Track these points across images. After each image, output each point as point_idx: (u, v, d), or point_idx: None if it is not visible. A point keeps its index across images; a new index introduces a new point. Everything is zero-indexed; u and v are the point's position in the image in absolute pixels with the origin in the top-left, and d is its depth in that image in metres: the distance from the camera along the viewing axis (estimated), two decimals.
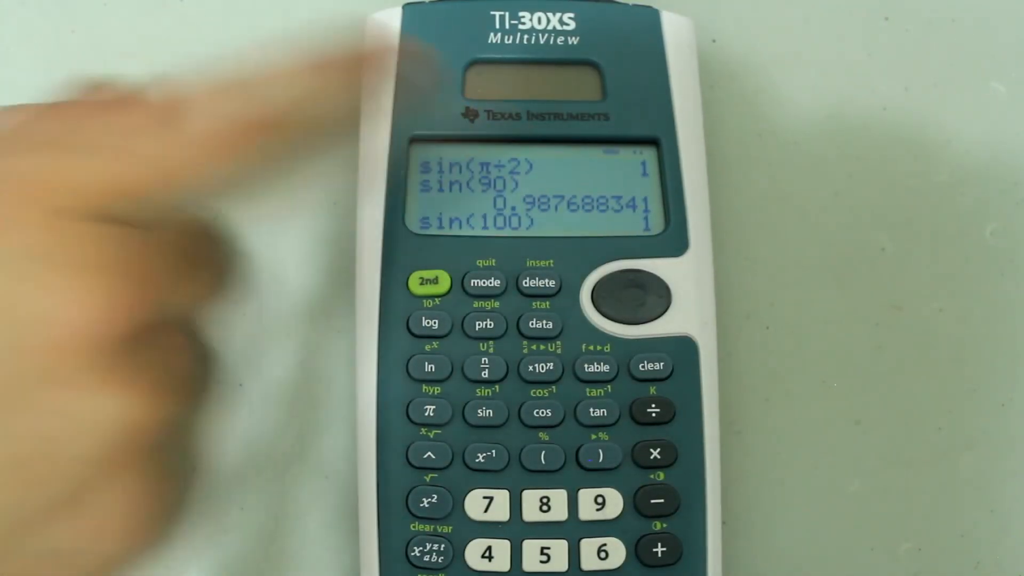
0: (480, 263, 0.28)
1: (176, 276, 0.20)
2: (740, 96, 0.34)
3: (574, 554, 0.27)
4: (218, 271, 0.23)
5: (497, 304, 0.28)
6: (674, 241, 0.29)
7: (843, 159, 0.34)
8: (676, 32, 0.31)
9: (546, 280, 0.28)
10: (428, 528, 0.27)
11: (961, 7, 0.36)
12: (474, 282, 0.28)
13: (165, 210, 0.20)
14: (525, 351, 0.28)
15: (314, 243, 0.32)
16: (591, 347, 0.28)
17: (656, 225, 0.29)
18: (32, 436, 0.18)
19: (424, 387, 0.27)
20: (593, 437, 0.27)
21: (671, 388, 0.28)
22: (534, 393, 0.28)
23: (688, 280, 0.29)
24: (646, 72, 0.30)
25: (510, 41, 0.30)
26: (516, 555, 0.27)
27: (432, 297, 0.28)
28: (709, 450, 0.28)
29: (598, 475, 0.27)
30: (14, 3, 0.34)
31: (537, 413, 0.27)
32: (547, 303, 0.28)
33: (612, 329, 0.28)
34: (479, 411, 0.27)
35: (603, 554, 0.27)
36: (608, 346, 0.28)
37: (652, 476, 0.27)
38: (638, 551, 0.27)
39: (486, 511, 0.27)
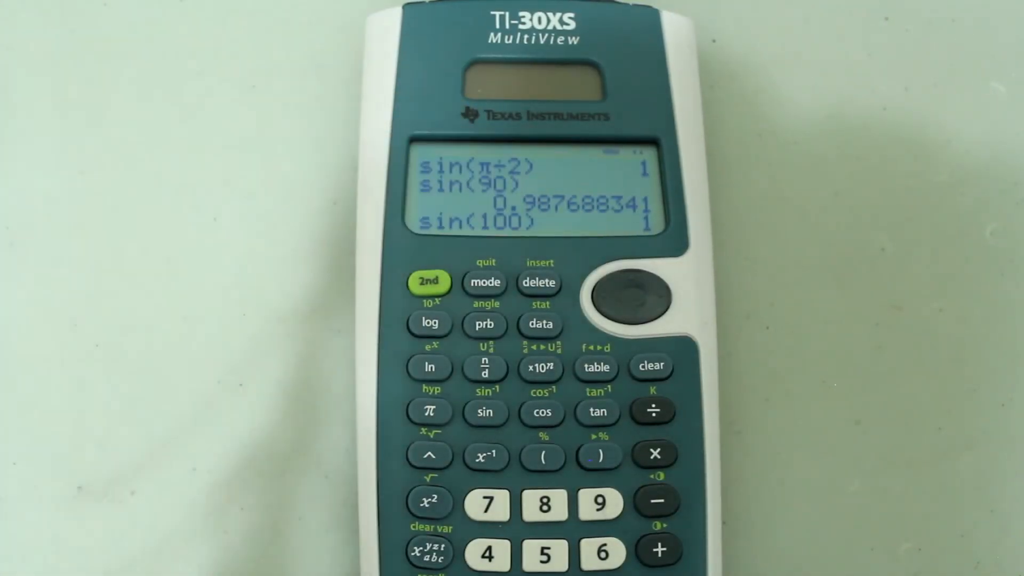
0: (480, 263, 0.28)
1: None
2: (740, 96, 0.34)
3: (574, 554, 0.27)
4: None
5: (497, 304, 0.28)
6: (674, 241, 0.29)
7: (843, 159, 0.34)
8: (676, 32, 0.31)
9: (546, 280, 0.28)
10: (428, 528, 0.27)
11: (961, 7, 0.36)
12: (474, 282, 0.28)
13: None
14: (525, 351, 0.28)
15: (314, 243, 0.32)
16: (591, 347, 0.28)
17: (656, 225, 0.29)
18: None
19: (424, 387, 0.27)
20: (593, 437, 0.27)
21: (671, 388, 0.28)
22: (534, 393, 0.28)
23: (688, 280, 0.29)
24: (646, 72, 0.30)
25: (510, 41, 0.30)
26: (516, 555, 0.27)
27: (432, 297, 0.28)
28: (709, 450, 0.28)
29: (598, 475, 0.27)
30: (14, 3, 0.34)
31: (537, 413, 0.27)
32: (547, 303, 0.28)
33: (612, 329, 0.28)
34: (479, 411, 0.27)
35: (603, 554, 0.27)
36: (608, 346, 0.28)
37: (652, 476, 0.27)
38: (638, 551, 0.27)
39: (486, 511, 0.27)
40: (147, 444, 0.30)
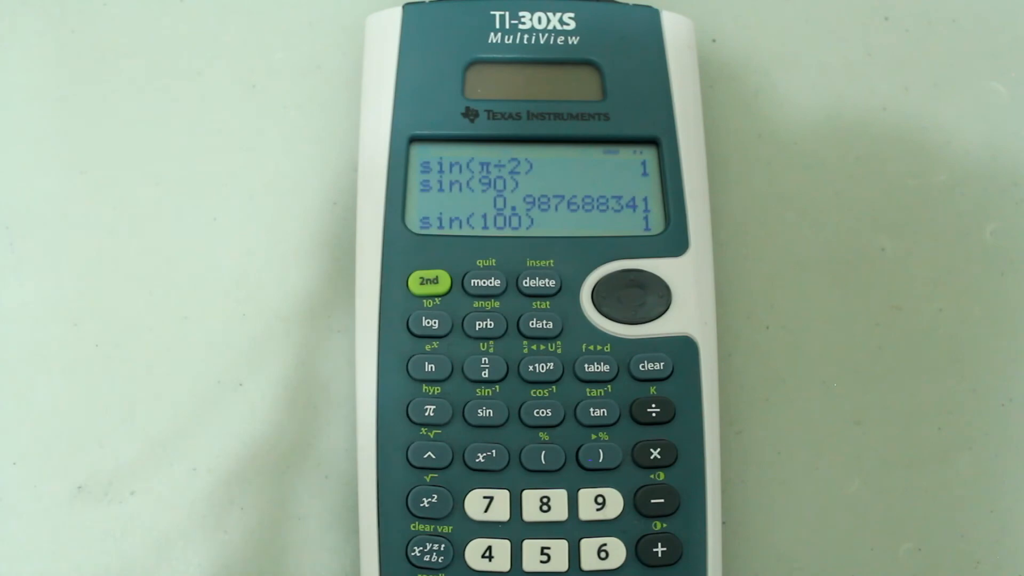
0: (480, 263, 0.28)
1: None
2: (740, 96, 0.34)
3: (574, 554, 0.27)
4: None
5: (497, 304, 0.28)
6: (674, 241, 0.29)
7: (843, 159, 0.34)
8: (676, 32, 0.31)
9: (546, 280, 0.28)
10: (428, 528, 0.27)
11: (961, 7, 0.36)
12: (474, 282, 0.28)
13: None
14: (525, 351, 0.28)
15: (314, 243, 0.32)
16: (591, 347, 0.28)
17: (656, 225, 0.29)
18: None
19: (424, 387, 0.27)
20: (593, 437, 0.27)
21: (671, 388, 0.28)
22: (534, 393, 0.28)
23: (688, 280, 0.29)
24: (646, 72, 0.30)
25: (510, 41, 0.30)
26: (516, 555, 0.27)
27: (432, 297, 0.28)
28: (709, 450, 0.28)
29: (598, 475, 0.27)
30: (14, 3, 0.34)
31: (537, 413, 0.27)
32: (547, 303, 0.28)
33: (612, 329, 0.28)
34: (479, 411, 0.27)
35: (603, 554, 0.27)
36: (608, 346, 0.28)
37: (652, 476, 0.27)
38: (638, 551, 0.27)
39: (486, 511, 0.27)
40: (147, 444, 0.30)
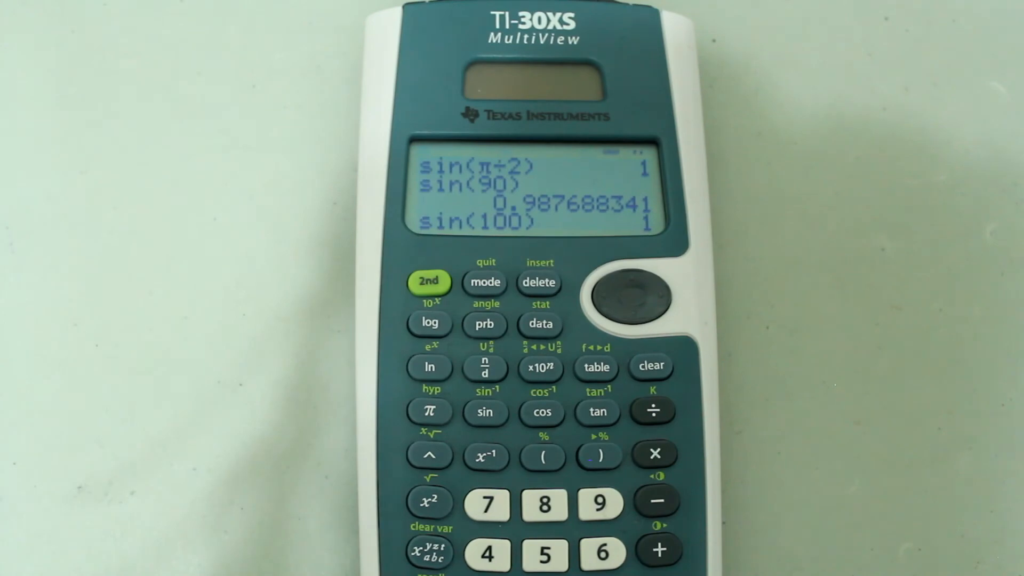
0: (480, 263, 0.28)
1: None
2: (740, 96, 0.34)
3: (574, 554, 0.27)
4: None
5: (497, 304, 0.28)
6: (674, 241, 0.29)
7: (843, 159, 0.34)
8: (676, 32, 0.31)
9: (546, 280, 0.28)
10: (428, 528, 0.27)
11: (961, 7, 0.36)
12: (474, 282, 0.28)
13: None
14: (525, 351, 0.28)
15: (314, 243, 0.32)
16: (591, 347, 0.28)
17: (656, 225, 0.29)
18: None
19: (424, 387, 0.27)
20: (593, 437, 0.27)
21: (671, 388, 0.28)
22: (534, 393, 0.28)
23: (688, 280, 0.29)
24: (646, 72, 0.30)
25: (510, 41, 0.30)
26: (516, 555, 0.27)
27: (432, 297, 0.28)
28: (709, 450, 0.28)
29: (598, 475, 0.27)
30: (14, 3, 0.34)
31: (537, 413, 0.27)
32: (547, 303, 0.28)
33: (612, 329, 0.28)
34: (479, 411, 0.27)
35: (603, 554, 0.27)
36: (608, 346, 0.28)
37: (652, 476, 0.27)
38: (638, 551, 0.27)
39: (486, 511, 0.27)
40: (147, 444, 0.30)
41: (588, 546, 0.27)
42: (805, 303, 0.32)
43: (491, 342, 0.28)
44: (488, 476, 0.27)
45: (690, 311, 0.28)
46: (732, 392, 0.31)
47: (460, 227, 0.29)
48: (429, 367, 0.27)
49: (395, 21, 0.31)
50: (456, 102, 0.30)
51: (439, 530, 0.27)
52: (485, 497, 0.27)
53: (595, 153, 0.30)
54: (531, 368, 0.28)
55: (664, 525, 0.27)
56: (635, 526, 0.27)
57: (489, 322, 0.28)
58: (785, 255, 0.33)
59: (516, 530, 0.27)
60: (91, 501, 0.29)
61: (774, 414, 0.31)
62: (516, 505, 0.27)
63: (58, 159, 0.33)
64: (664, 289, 0.28)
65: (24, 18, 0.34)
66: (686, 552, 0.27)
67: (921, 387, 0.31)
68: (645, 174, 0.30)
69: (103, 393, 0.30)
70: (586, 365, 0.28)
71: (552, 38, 0.31)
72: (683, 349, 0.28)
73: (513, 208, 0.29)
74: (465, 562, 0.26)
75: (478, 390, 0.28)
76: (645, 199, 0.29)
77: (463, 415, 0.27)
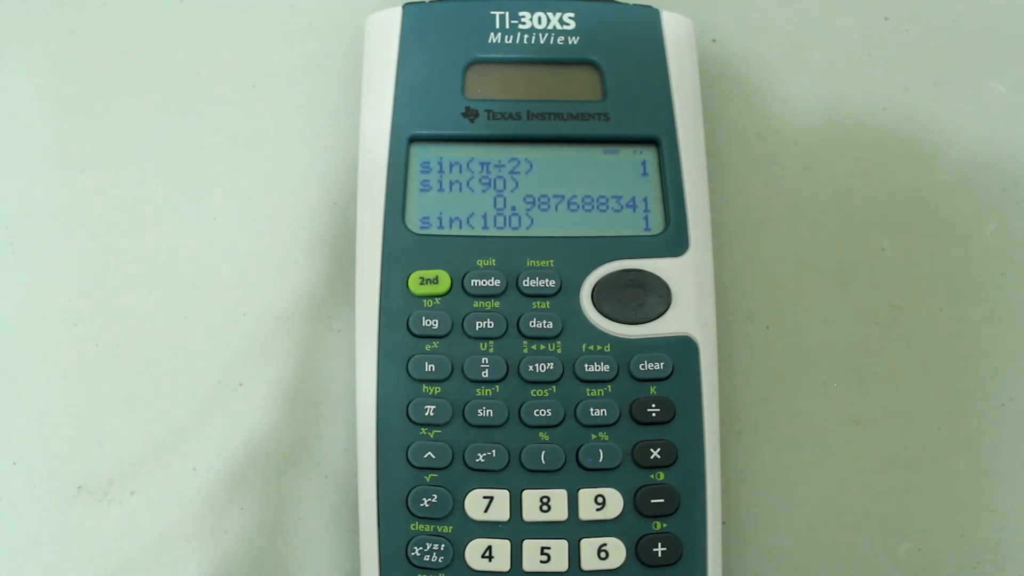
0: (480, 263, 0.28)
1: None
2: (740, 96, 0.34)
3: (574, 554, 0.27)
4: None
5: (497, 304, 0.28)
6: (674, 241, 0.29)
7: (843, 159, 0.34)
8: (676, 32, 0.31)
9: (546, 280, 0.28)
10: (428, 528, 0.27)
11: (961, 7, 0.36)
12: (474, 282, 0.28)
13: None
14: (525, 351, 0.28)
15: (314, 243, 0.32)
16: (591, 347, 0.28)
17: (656, 225, 0.29)
18: None
19: (424, 387, 0.27)
20: (593, 437, 0.27)
21: (671, 388, 0.28)
22: (534, 393, 0.28)
23: (688, 280, 0.29)
24: (646, 72, 0.30)
25: (510, 41, 0.30)
26: (516, 555, 0.27)
27: (432, 297, 0.28)
28: (709, 450, 0.28)
29: (598, 475, 0.27)
30: (14, 3, 0.34)
31: (537, 413, 0.27)
32: (547, 303, 0.28)
33: (612, 329, 0.28)
34: (479, 411, 0.27)
35: (603, 554, 0.27)
36: (608, 346, 0.28)
37: (652, 476, 0.27)
38: (638, 551, 0.27)
39: (486, 511, 0.27)
40: (147, 444, 0.30)
41: (588, 546, 0.27)
42: (805, 303, 0.32)
43: (491, 342, 0.28)
44: (488, 476, 0.27)
45: (690, 311, 0.28)
46: (732, 392, 0.31)
47: (460, 227, 0.29)
48: (429, 367, 0.27)
49: (395, 21, 0.31)
50: (456, 102, 0.30)
51: (439, 530, 0.27)
52: (485, 497, 0.27)
53: (595, 153, 0.30)
54: (531, 368, 0.28)
55: (664, 525, 0.27)
56: (635, 526, 0.27)
57: (489, 322, 0.28)
58: (785, 255, 0.33)
59: (516, 530, 0.27)
60: (91, 501, 0.29)
61: (774, 414, 0.31)
62: (516, 505, 0.27)
63: (58, 159, 0.33)
64: (664, 289, 0.28)
65: (24, 18, 0.34)
66: (686, 552, 0.27)
67: (921, 387, 0.31)
68: (645, 174, 0.30)
69: (103, 393, 0.30)
70: (586, 365, 0.28)
71: (552, 38, 0.31)
72: (683, 349, 0.28)
73: (513, 208, 0.29)
74: (465, 562, 0.26)
75: (478, 390, 0.28)
76: (645, 199, 0.29)
77: (463, 415, 0.27)
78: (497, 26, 0.31)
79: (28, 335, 0.31)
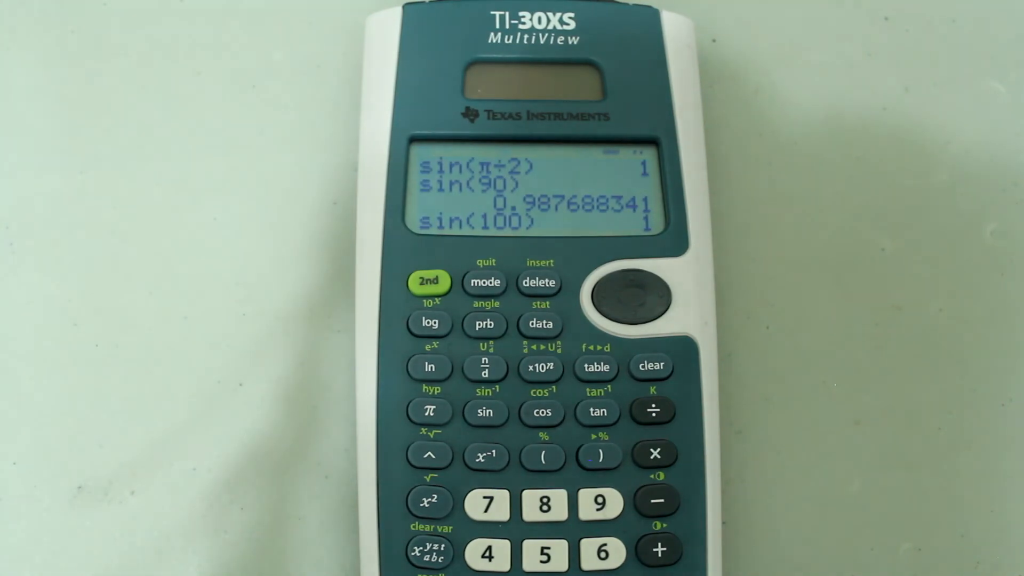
0: (480, 263, 0.28)
1: None
2: (740, 96, 0.34)
3: (574, 554, 0.27)
4: None
5: (497, 304, 0.28)
6: (674, 241, 0.29)
7: (843, 159, 0.34)
8: (676, 32, 0.31)
9: (546, 280, 0.28)
10: (428, 528, 0.27)
11: (961, 7, 0.36)
12: (474, 282, 0.28)
13: None
14: (525, 351, 0.28)
15: (314, 243, 0.32)
16: (591, 347, 0.28)
17: (656, 225, 0.29)
18: None
19: (424, 387, 0.27)
20: (593, 437, 0.27)
21: (671, 388, 0.28)
22: (534, 393, 0.28)
23: (688, 280, 0.29)
24: (646, 72, 0.30)
25: (510, 41, 0.30)
26: (516, 555, 0.27)
27: (432, 297, 0.28)
28: (709, 450, 0.28)
29: (598, 475, 0.27)
30: (14, 3, 0.34)
31: (537, 413, 0.27)
32: (547, 303, 0.28)
33: (612, 329, 0.28)
34: (479, 411, 0.27)
35: (603, 554, 0.27)
36: (608, 346, 0.28)
37: (652, 476, 0.27)
38: (638, 551, 0.27)
39: (486, 511, 0.27)
40: (147, 444, 0.30)
41: (588, 546, 0.27)
42: (805, 303, 0.32)
43: (491, 342, 0.28)
44: (488, 476, 0.27)
45: (690, 311, 0.28)
46: (732, 392, 0.31)
47: (460, 227, 0.29)
48: (429, 367, 0.27)
49: (395, 21, 0.31)
50: (456, 102, 0.30)
51: (439, 530, 0.27)
52: (485, 497, 0.27)
53: (595, 153, 0.30)
54: (531, 368, 0.28)
55: (664, 525, 0.27)
56: (635, 526, 0.27)
57: (489, 322, 0.28)
58: (785, 255, 0.33)
59: (516, 530, 0.27)
60: (91, 501, 0.29)
61: (774, 414, 0.31)
62: (516, 505, 0.27)
63: (58, 159, 0.33)
64: (664, 289, 0.28)
65: (24, 18, 0.34)
66: (686, 552, 0.27)
67: (921, 387, 0.31)
68: (645, 174, 0.30)
69: (103, 393, 0.30)
70: (586, 365, 0.28)
71: (552, 38, 0.31)
72: (683, 349, 0.28)
73: (513, 208, 0.29)
74: (465, 562, 0.26)
75: (478, 390, 0.28)
76: (645, 199, 0.29)
77: (463, 415, 0.27)
78: (497, 26, 0.31)
79: (28, 335, 0.31)
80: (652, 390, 0.28)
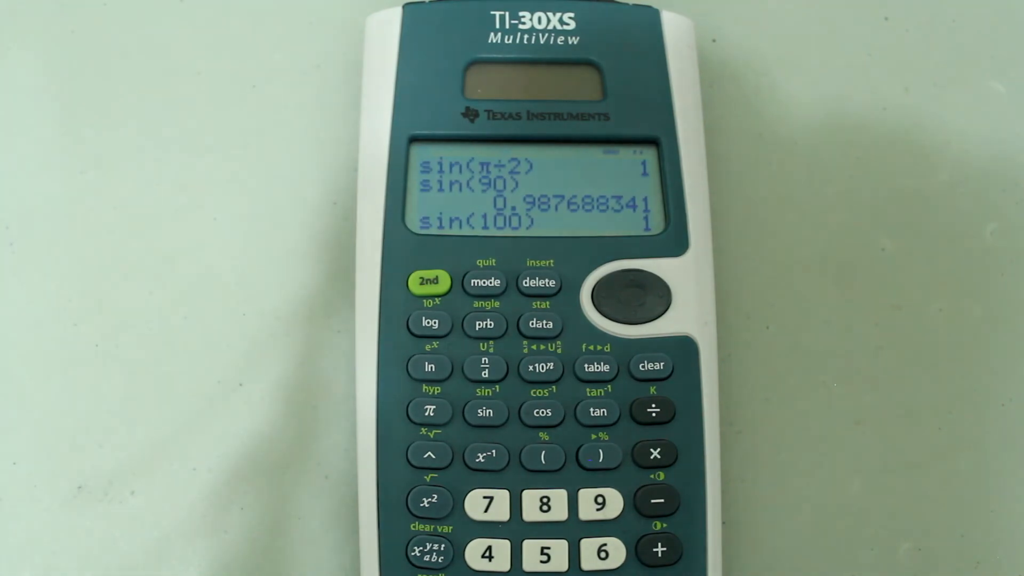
0: (480, 263, 0.28)
1: None
2: (740, 96, 0.34)
3: (574, 554, 0.27)
4: None
5: (497, 304, 0.28)
6: (674, 241, 0.29)
7: (843, 159, 0.34)
8: (676, 32, 0.31)
9: (546, 280, 0.28)
10: (428, 528, 0.27)
11: (961, 7, 0.36)
12: (474, 282, 0.28)
13: None
14: (525, 351, 0.28)
15: (314, 243, 0.32)
16: (591, 347, 0.28)
17: (656, 225, 0.29)
18: None
19: (424, 387, 0.27)
20: (593, 437, 0.27)
21: (671, 388, 0.28)
22: (534, 393, 0.28)
23: (688, 280, 0.29)
24: (646, 72, 0.30)
25: (510, 41, 0.30)
26: (516, 555, 0.27)
27: (432, 297, 0.28)
28: (709, 450, 0.28)
29: (598, 475, 0.27)
30: (14, 3, 0.34)
31: (537, 413, 0.27)
32: (547, 303, 0.28)
33: (612, 329, 0.28)
34: (479, 411, 0.27)
35: (603, 554, 0.27)
36: (608, 346, 0.28)
37: (652, 476, 0.27)
38: (638, 551, 0.27)
39: (486, 511, 0.27)
40: (147, 444, 0.30)
41: (588, 546, 0.27)
42: (805, 303, 0.32)
43: (491, 342, 0.28)
44: (488, 476, 0.27)
45: (690, 311, 0.28)
46: (732, 392, 0.31)
47: (460, 227, 0.29)
48: (429, 367, 0.27)
49: (395, 21, 0.31)
50: (456, 102, 0.30)
51: (439, 530, 0.27)
52: (485, 497, 0.27)
53: (595, 153, 0.30)
54: (531, 368, 0.28)
55: (664, 525, 0.27)
56: (635, 526, 0.27)
57: (489, 322, 0.28)
58: (786, 255, 0.33)
59: (516, 530, 0.27)
60: (91, 501, 0.29)
61: (774, 414, 0.31)
62: (516, 505, 0.27)
63: (58, 159, 0.33)
64: (664, 289, 0.28)
65: (24, 18, 0.34)
66: (686, 552, 0.27)
67: (921, 387, 0.31)
68: (645, 174, 0.30)
69: (103, 393, 0.30)
70: (586, 365, 0.28)
71: (552, 38, 0.31)
72: (683, 349, 0.28)
73: (513, 208, 0.29)
74: (465, 562, 0.26)
75: (478, 390, 0.28)
76: (645, 199, 0.29)
77: (463, 415, 0.27)
78: (497, 26, 0.31)
79: (28, 335, 0.31)
80: (652, 390, 0.28)
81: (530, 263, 0.28)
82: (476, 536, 0.27)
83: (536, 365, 0.28)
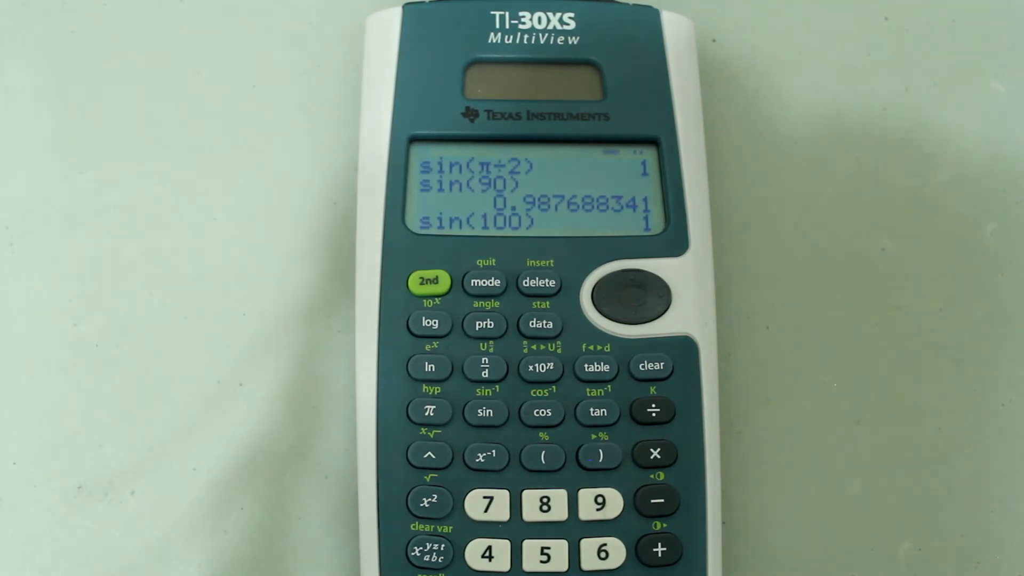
0: (480, 263, 0.28)
1: None
2: (740, 96, 0.34)
3: (574, 554, 0.27)
4: None
5: (497, 304, 0.28)
6: (674, 241, 0.29)
7: (843, 159, 0.34)
8: (676, 32, 0.31)
9: (546, 280, 0.28)
10: (428, 528, 0.27)
11: (961, 7, 0.36)
12: (474, 282, 0.28)
13: None
14: (525, 351, 0.28)
15: (314, 243, 0.32)
16: (591, 347, 0.28)
17: (656, 225, 0.29)
18: None
19: (424, 387, 0.27)
20: (593, 437, 0.27)
21: (671, 388, 0.28)
22: (534, 393, 0.28)
23: (688, 280, 0.29)
24: (646, 72, 0.30)
25: (510, 41, 0.30)
26: (516, 555, 0.27)
27: (432, 297, 0.28)
28: (709, 450, 0.28)
29: (598, 475, 0.27)
30: (14, 3, 0.34)
31: (537, 413, 0.27)
32: (547, 303, 0.28)
33: (612, 329, 0.28)
34: (479, 411, 0.27)
35: (603, 554, 0.27)
36: (608, 346, 0.28)
37: (652, 476, 0.27)
38: (638, 551, 0.27)
39: (486, 511, 0.27)
40: (147, 444, 0.30)
41: (588, 546, 0.27)
42: (805, 303, 0.32)
43: (491, 342, 0.28)
44: (488, 476, 0.27)
45: (690, 311, 0.28)
46: (732, 392, 0.31)
47: (460, 227, 0.29)
48: (429, 367, 0.27)
49: (395, 21, 0.31)
50: (456, 102, 0.30)
51: (439, 530, 0.27)
52: (485, 497, 0.27)
53: (595, 153, 0.30)
54: (531, 368, 0.28)
55: (664, 525, 0.27)
56: (635, 526, 0.27)
57: (489, 322, 0.28)
58: (785, 255, 0.33)
59: (516, 530, 0.27)
60: (91, 501, 0.29)
61: (774, 414, 0.31)
62: (516, 505, 0.27)
63: (58, 159, 0.33)
64: (664, 289, 0.28)
65: (24, 18, 0.34)
66: (686, 552, 0.27)
67: (921, 387, 0.32)
68: (645, 174, 0.30)
69: (103, 393, 0.30)
70: (586, 365, 0.28)
71: (552, 38, 0.31)
72: (683, 349, 0.28)
73: (513, 208, 0.29)
74: (465, 562, 0.26)
75: (478, 390, 0.28)
76: (645, 199, 0.29)
77: (463, 415, 0.27)
78: (497, 26, 0.31)
79: (28, 335, 0.31)
80: (652, 390, 0.28)
81: (530, 263, 0.28)
82: (476, 536, 0.27)
83: (536, 365, 0.28)
